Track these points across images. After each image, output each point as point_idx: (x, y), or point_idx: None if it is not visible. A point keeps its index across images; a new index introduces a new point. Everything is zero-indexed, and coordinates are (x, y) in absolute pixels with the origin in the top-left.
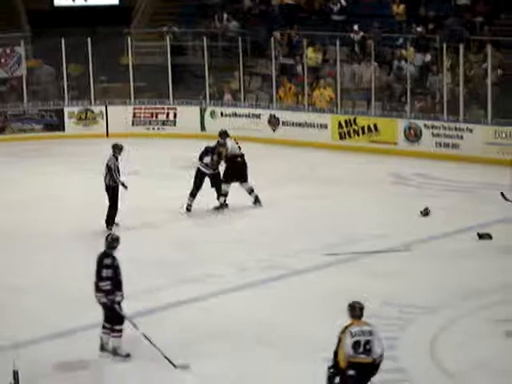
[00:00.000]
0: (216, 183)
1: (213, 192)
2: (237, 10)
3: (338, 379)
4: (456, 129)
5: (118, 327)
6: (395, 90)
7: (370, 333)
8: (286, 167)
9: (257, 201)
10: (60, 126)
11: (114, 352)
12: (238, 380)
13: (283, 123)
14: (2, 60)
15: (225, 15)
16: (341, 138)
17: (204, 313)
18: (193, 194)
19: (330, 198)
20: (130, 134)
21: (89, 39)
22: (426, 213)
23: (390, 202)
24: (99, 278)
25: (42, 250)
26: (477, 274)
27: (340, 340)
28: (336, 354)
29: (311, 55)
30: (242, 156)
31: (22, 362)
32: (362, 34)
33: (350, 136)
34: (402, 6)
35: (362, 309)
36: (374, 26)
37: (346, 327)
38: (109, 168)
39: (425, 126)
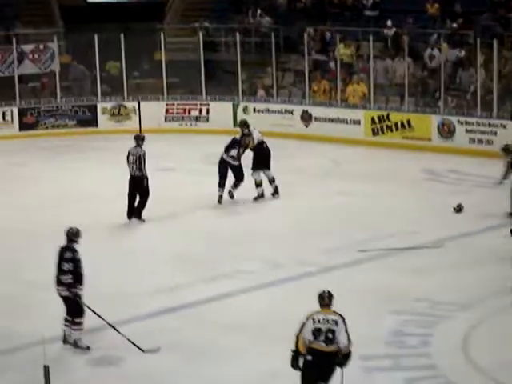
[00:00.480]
0: (238, 175)
1: (248, 186)
2: (270, 6)
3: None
4: (489, 125)
5: (78, 320)
6: (429, 85)
7: (336, 322)
8: (319, 163)
9: (276, 192)
10: (93, 122)
11: (75, 344)
12: (270, 377)
13: (316, 119)
14: (36, 56)
15: (258, 11)
16: (374, 133)
17: (234, 309)
18: (221, 185)
19: (363, 194)
20: (162, 130)
21: (122, 35)
22: (459, 209)
23: (423, 198)
24: (60, 271)
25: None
26: (510, 270)
27: (302, 325)
28: (297, 338)
29: (344, 51)
30: (266, 143)
31: (52, 357)
32: (394, 29)
33: (383, 132)
34: (436, 5)
35: (330, 297)
36: (408, 22)
37: (311, 314)
38: (139, 158)
39: (458, 122)
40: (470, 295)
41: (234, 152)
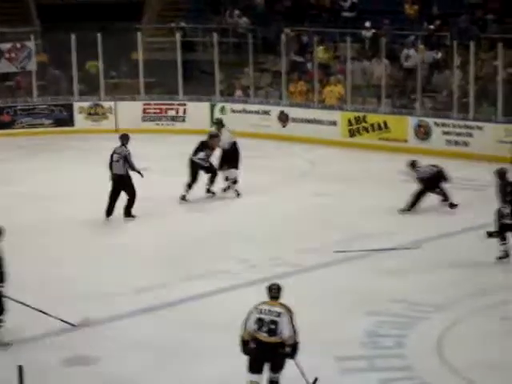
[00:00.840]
0: (211, 171)
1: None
2: (247, 6)
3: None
4: (466, 126)
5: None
6: (406, 87)
7: (279, 314)
8: (295, 163)
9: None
10: (69, 121)
11: None
12: (244, 375)
13: (293, 120)
14: (13, 54)
15: (235, 11)
16: (350, 135)
17: (210, 308)
18: (189, 185)
19: (340, 195)
20: (139, 130)
21: (99, 34)
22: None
23: (399, 199)
24: None
25: (48, 245)
26: (486, 272)
27: (249, 314)
28: (244, 325)
29: (322, 55)
30: (235, 143)
31: (27, 357)
32: (373, 31)
33: (359, 133)
34: (415, 7)
35: (278, 290)
36: (385, 23)
37: (258, 304)
38: (125, 157)
39: (435, 123)
40: (446, 296)
41: (202, 154)
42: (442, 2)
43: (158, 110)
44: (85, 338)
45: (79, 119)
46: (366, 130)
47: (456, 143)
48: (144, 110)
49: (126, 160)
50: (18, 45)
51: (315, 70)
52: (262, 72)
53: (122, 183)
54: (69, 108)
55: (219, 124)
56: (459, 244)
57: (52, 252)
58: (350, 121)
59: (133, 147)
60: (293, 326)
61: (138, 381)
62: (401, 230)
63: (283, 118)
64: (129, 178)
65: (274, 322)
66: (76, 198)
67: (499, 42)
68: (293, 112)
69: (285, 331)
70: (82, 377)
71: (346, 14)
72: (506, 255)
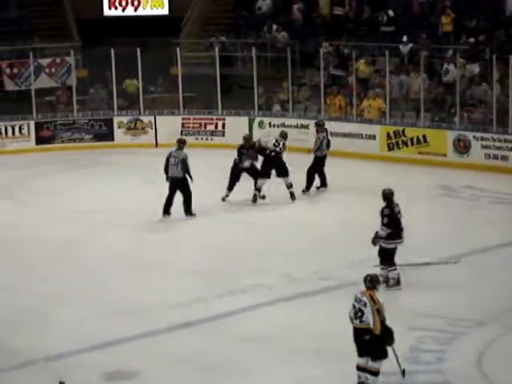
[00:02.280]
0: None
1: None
2: (286, 21)
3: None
4: (505, 140)
5: None
6: (445, 101)
7: (365, 304)
8: (334, 178)
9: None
10: (109, 136)
11: None
12: None
13: (331, 134)
14: (52, 69)
15: (274, 26)
16: (389, 149)
17: (252, 322)
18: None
19: (379, 208)
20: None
21: (138, 49)
22: None
23: (439, 213)
24: None
25: (87, 259)
26: None
27: (379, 310)
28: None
29: (363, 68)
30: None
31: (68, 373)
32: (410, 45)
33: (398, 147)
34: (449, 18)
35: (371, 281)
36: (423, 37)
37: (374, 298)
38: (183, 160)
39: (474, 137)
40: (487, 312)
41: (247, 163)
42: (479, 15)
43: (197, 125)
44: (125, 352)
45: (119, 134)
46: (405, 143)
47: (495, 157)
48: (183, 125)
49: (184, 163)
50: (58, 60)
51: (354, 83)
52: (300, 86)
53: (179, 185)
54: (109, 123)
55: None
56: (497, 258)
57: (90, 265)
58: (388, 135)
59: None
60: (377, 317)
61: None
62: (440, 245)
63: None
64: (185, 180)
65: (361, 311)
66: (115, 212)
67: None
68: (331, 126)
69: (370, 320)
70: None
71: (384, 28)
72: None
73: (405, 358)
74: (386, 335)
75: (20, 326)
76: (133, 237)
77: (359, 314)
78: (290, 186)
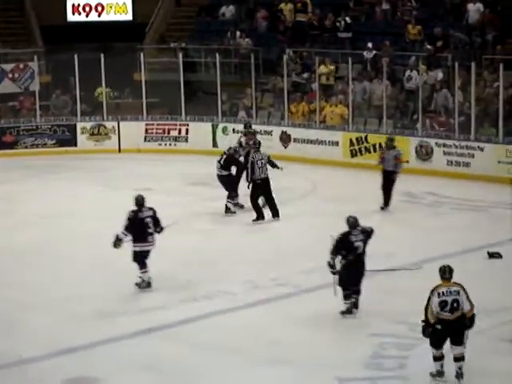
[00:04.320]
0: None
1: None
2: (250, 27)
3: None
4: (467, 147)
5: None
6: (407, 107)
7: (458, 292)
8: (297, 184)
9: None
10: (72, 141)
11: None
12: None
13: (295, 140)
14: (16, 75)
15: (237, 32)
16: (352, 155)
17: (215, 329)
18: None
19: (341, 215)
20: (142, 150)
21: (102, 55)
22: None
23: (401, 220)
24: None
25: (51, 265)
26: (487, 293)
27: (429, 299)
28: (426, 310)
29: (323, 69)
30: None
31: (30, 378)
32: (374, 52)
33: (361, 153)
34: (417, 27)
35: (451, 271)
36: (386, 44)
37: (435, 288)
38: (268, 158)
39: (436, 144)
40: None
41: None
42: (444, 22)
43: (160, 131)
44: (87, 358)
45: (82, 139)
46: (368, 150)
47: (457, 164)
48: (147, 130)
49: (269, 161)
50: (21, 65)
51: (317, 90)
52: (263, 92)
53: (268, 184)
54: (72, 128)
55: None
56: (460, 265)
57: (54, 271)
58: (351, 141)
59: (135, 168)
60: (470, 300)
61: None
62: (402, 251)
63: (285, 139)
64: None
65: (456, 301)
66: (77, 217)
67: (500, 63)
68: (295, 132)
69: (466, 306)
70: None
71: (342, 34)
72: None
73: (367, 364)
74: (474, 317)
75: None
76: (95, 243)
77: (455, 304)
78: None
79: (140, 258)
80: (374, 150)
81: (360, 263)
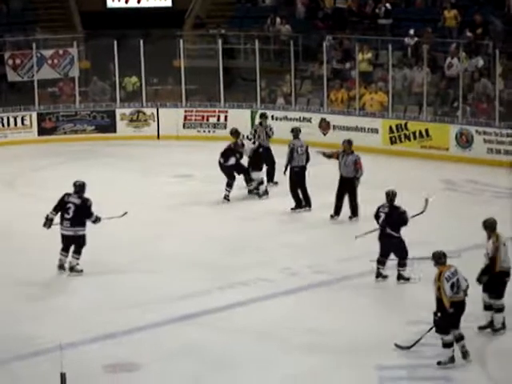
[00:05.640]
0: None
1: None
2: (289, 14)
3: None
4: (508, 135)
5: None
6: (447, 95)
7: (456, 271)
8: (336, 171)
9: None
10: (111, 128)
11: None
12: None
13: (334, 127)
14: (55, 61)
15: (277, 19)
16: (392, 142)
17: (254, 316)
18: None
19: (379, 202)
20: (180, 137)
21: (141, 41)
22: None
23: (440, 208)
24: None
25: (90, 252)
26: None
27: (439, 287)
28: (439, 300)
29: (362, 56)
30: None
31: (69, 364)
32: (416, 38)
33: (400, 141)
34: (452, 12)
35: (445, 255)
36: (428, 31)
37: (440, 275)
38: (307, 148)
39: (476, 131)
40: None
41: (232, 160)
42: (482, 9)
43: (199, 117)
44: (125, 345)
45: (121, 125)
46: (408, 137)
47: (497, 152)
48: (185, 117)
49: (307, 152)
50: (61, 51)
51: (357, 77)
52: (303, 79)
53: (302, 175)
54: (111, 114)
55: (235, 133)
56: None
57: (92, 257)
58: (391, 128)
59: (174, 154)
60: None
61: None
62: (441, 239)
63: (324, 126)
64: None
65: (458, 280)
66: (116, 204)
67: None
68: (334, 119)
69: (463, 282)
70: (124, 383)
71: (382, 20)
72: None
73: (406, 351)
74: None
75: (23, 316)
76: (134, 229)
77: (458, 284)
78: (260, 183)
79: (61, 240)
80: (414, 138)
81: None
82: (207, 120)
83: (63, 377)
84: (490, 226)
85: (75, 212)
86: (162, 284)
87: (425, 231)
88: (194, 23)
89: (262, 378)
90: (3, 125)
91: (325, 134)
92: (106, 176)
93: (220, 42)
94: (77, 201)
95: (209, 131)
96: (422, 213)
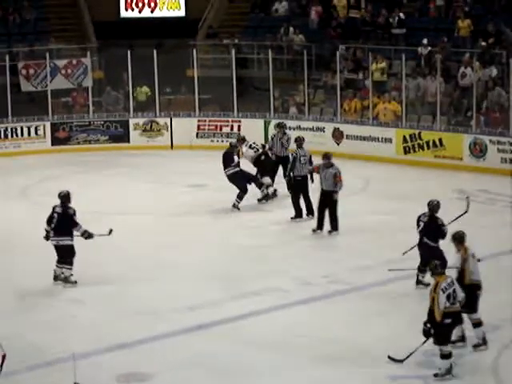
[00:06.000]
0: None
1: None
2: (302, 24)
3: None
4: None
5: None
6: (461, 104)
7: (453, 282)
8: (350, 181)
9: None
10: (125, 137)
11: None
12: None
13: (347, 136)
14: (69, 71)
15: (290, 28)
16: (405, 152)
17: (267, 326)
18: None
19: (394, 212)
20: (194, 147)
21: (154, 51)
22: None
23: (453, 217)
24: None
25: (102, 262)
26: None
27: (434, 299)
28: (431, 311)
29: (376, 66)
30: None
31: (82, 374)
32: (429, 48)
33: (414, 150)
34: (466, 21)
35: (442, 265)
36: (443, 40)
37: (436, 286)
38: (310, 157)
39: (490, 141)
40: (501, 316)
41: (231, 165)
42: (496, 18)
43: (212, 127)
44: (137, 354)
45: (135, 135)
46: (421, 147)
47: (511, 161)
48: (199, 127)
49: (310, 161)
50: (74, 61)
51: (370, 86)
52: (316, 89)
53: (305, 184)
54: (124, 124)
55: (242, 140)
56: None
57: (105, 267)
58: (405, 138)
59: (187, 164)
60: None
61: None
62: (453, 248)
63: (338, 135)
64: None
65: (454, 291)
66: (129, 214)
67: None
68: (347, 129)
69: (460, 294)
70: None
71: (395, 30)
72: None
73: (419, 362)
74: None
75: (32, 326)
76: (147, 239)
77: (454, 295)
78: (268, 186)
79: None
80: (428, 147)
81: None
82: (221, 130)
83: None
84: (458, 238)
85: (58, 221)
86: (174, 293)
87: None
88: (208, 33)
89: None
90: (17, 135)
91: (338, 144)
92: (119, 186)
93: (233, 51)
94: (60, 210)
95: (222, 141)
96: (465, 213)
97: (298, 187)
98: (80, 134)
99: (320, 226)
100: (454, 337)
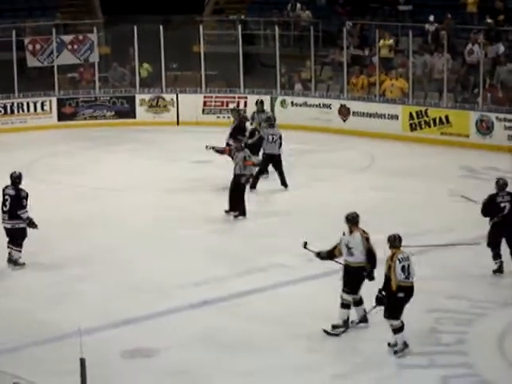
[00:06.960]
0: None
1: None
2: (310, 0)
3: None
4: None
5: None
6: (468, 81)
7: (408, 258)
8: (356, 157)
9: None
10: (131, 113)
11: None
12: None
13: (354, 113)
14: (75, 46)
15: (297, 4)
16: (411, 129)
17: (268, 302)
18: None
19: (399, 189)
20: (200, 123)
21: (161, 27)
22: None
23: (460, 195)
24: None
25: (108, 237)
26: None
27: (390, 266)
28: (387, 278)
29: (384, 43)
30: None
31: (88, 349)
32: (436, 24)
33: (421, 127)
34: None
35: (400, 239)
36: (448, 17)
37: (393, 256)
38: (280, 137)
39: (497, 118)
40: (507, 294)
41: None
42: None
43: (218, 103)
44: (145, 330)
45: (141, 111)
46: (428, 124)
47: None
48: (205, 103)
49: (280, 139)
50: (81, 37)
51: (377, 63)
52: (322, 65)
53: (274, 160)
54: (131, 100)
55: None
56: None
57: (111, 243)
58: (411, 115)
59: (193, 140)
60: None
61: (198, 373)
62: (460, 226)
63: (344, 112)
64: (280, 157)
65: (409, 266)
66: (136, 189)
67: None
68: (354, 106)
69: (414, 271)
70: (143, 369)
71: (402, 7)
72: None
73: (424, 339)
74: None
75: (45, 302)
76: (153, 215)
77: (409, 270)
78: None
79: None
80: (434, 124)
81: (506, 224)
82: (227, 106)
83: (83, 362)
84: (352, 219)
85: (11, 204)
86: (178, 270)
87: (445, 218)
88: (214, 9)
89: (280, 362)
90: (23, 110)
91: (344, 121)
92: (125, 161)
93: (240, 27)
94: (12, 192)
95: (228, 117)
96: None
97: (269, 163)
98: (86, 109)
99: (242, 211)
100: (357, 317)
